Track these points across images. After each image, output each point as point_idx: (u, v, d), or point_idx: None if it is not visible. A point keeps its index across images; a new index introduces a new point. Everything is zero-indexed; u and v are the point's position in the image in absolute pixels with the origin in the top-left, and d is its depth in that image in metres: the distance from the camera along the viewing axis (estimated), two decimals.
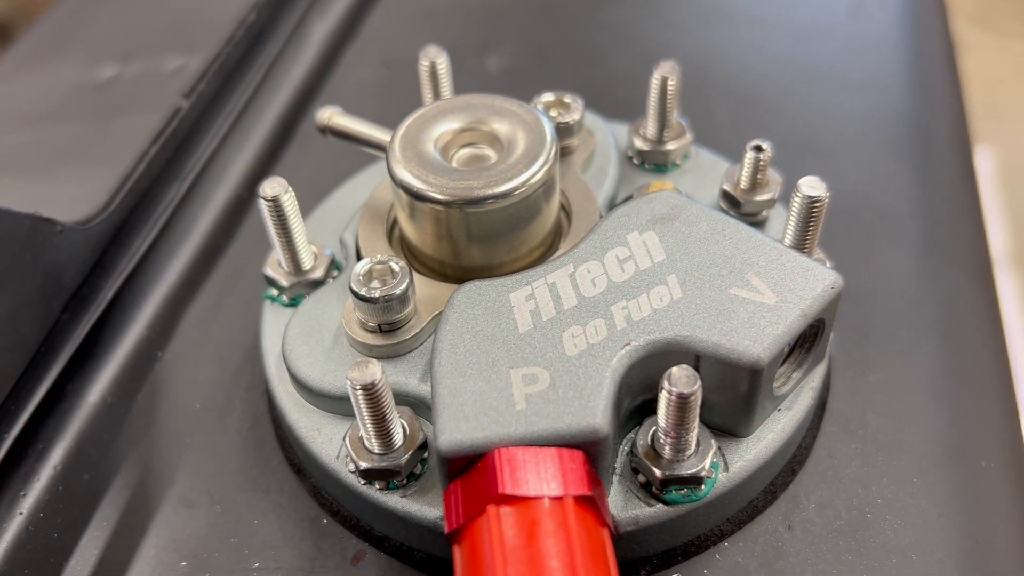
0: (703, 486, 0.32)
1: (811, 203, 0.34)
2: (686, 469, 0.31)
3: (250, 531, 0.35)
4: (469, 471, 0.29)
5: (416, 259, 0.38)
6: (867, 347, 0.40)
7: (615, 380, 0.30)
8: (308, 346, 0.36)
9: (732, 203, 0.39)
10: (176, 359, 0.41)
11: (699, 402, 0.30)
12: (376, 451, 0.32)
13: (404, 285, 0.34)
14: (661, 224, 0.35)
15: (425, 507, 0.32)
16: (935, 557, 0.33)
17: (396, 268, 0.34)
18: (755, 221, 0.40)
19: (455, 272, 0.37)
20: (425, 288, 0.36)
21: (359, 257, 0.38)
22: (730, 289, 0.32)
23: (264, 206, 0.36)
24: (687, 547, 0.34)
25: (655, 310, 0.32)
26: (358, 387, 0.30)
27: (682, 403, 0.29)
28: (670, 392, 0.29)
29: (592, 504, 0.29)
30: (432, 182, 0.34)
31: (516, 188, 0.34)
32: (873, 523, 0.34)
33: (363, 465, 0.32)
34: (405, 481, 0.33)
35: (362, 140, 0.40)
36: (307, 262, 0.38)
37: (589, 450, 0.30)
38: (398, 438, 0.32)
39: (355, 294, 0.33)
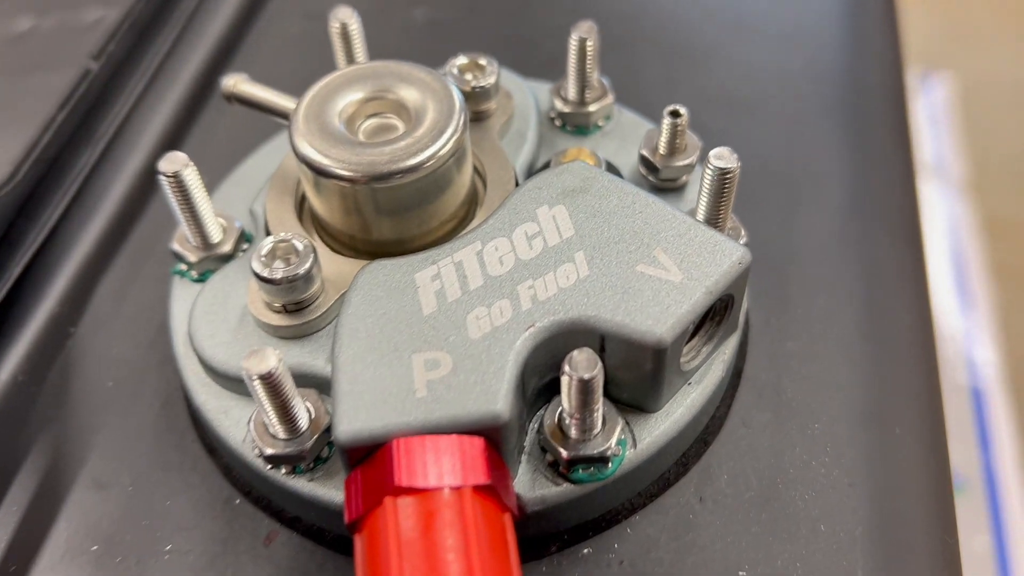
0: (610, 464, 0.32)
1: (722, 175, 0.34)
2: (592, 449, 0.31)
3: (163, 512, 0.35)
4: (369, 460, 0.29)
5: (325, 233, 0.37)
6: (785, 313, 0.39)
7: (518, 363, 0.30)
8: (214, 326, 0.35)
9: (650, 168, 0.39)
10: (88, 335, 0.40)
11: (601, 385, 0.30)
12: (280, 436, 0.32)
13: (308, 264, 0.33)
14: (571, 198, 0.34)
15: (332, 491, 0.32)
16: (844, 527, 0.33)
17: (300, 247, 0.33)
18: (674, 187, 0.39)
19: (365, 247, 0.36)
20: (334, 265, 0.35)
21: (268, 231, 0.37)
22: (637, 266, 0.32)
23: (165, 183, 0.35)
24: (597, 522, 0.34)
25: (561, 289, 0.32)
26: (254, 376, 0.29)
27: (583, 386, 0.29)
28: (571, 376, 0.29)
29: (492, 492, 0.29)
30: (335, 157, 0.33)
31: (424, 162, 0.33)
32: (784, 493, 0.34)
33: (268, 451, 0.32)
34: (312, 465, 0.32)
35: (268, 109, 0.39)
36: (215, 235, 0.37)
37: (491, 436, 0.29)
38: (303, 422, 0.32)
39: (257, 275, 0.33)
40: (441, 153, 0.33)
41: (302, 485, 0.32)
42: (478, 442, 0.29)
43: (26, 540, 0.34)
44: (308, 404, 0.32)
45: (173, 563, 0.33)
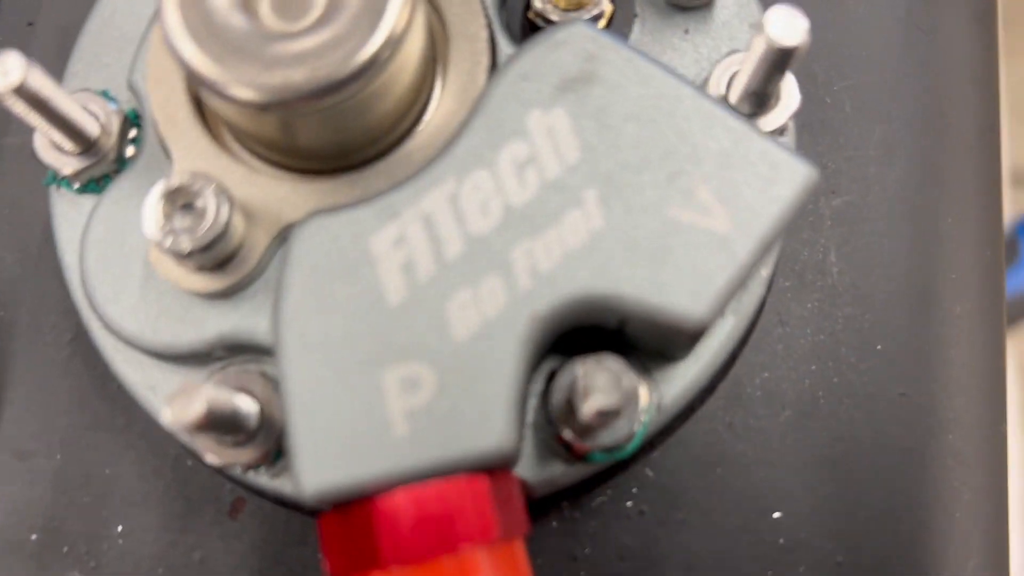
0: (633, 440, 0.26)
1: (782, 55, 0.24)
2: (611, 437, 0.26)
3: (104, 485, 0.30)
4: (347, 507, 0.23)
5: (236, 137, 0.27)
6: (834, 154, 0.31)
7: (520, 371, 0.23)
8: (114, 280, 0.27)
9: None
10: None
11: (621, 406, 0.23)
12: (230, 448, 0.26)
13: (223, 220, 0.24)
14: (573, 93, 0.25)
15: None
16: (895, 446, 0.29)
17: (203, 204, 0.24)
18: (697, 3, 0.29)
19: (294, 161, 0.27)
20: (257, 188, 0.26)
21: (154, 115, 0.27)
22: (669, 209, 0.24)
23: (9, 104, 0.25)
24: (613, 468, 0.29)
25: (567, 254, 0.24)
26: (183, 430, 0.23)
27: (603, 415, 0.23)
28: (588, 407, 0.23)
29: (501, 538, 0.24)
30: (234, 74, 0.23)
31: (359, 71, 0.23)
32: (827, 410, 0.29)
33: (217, 461, 0.26)
34: (272, 462, 0.27)
35: None
36: (90, 130, 0.27)
37: (496, 466, 0.24)
38: (252, 426, 0.25)
39: (156, 244, 0.24)
40: (381, 56, 0.23)
41: (265, 482, 0.27)
42: (480, 486, 0.23)
43: None
44: (255, 406, 0.26)
45: (131, 548, 0.29)
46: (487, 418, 0.23)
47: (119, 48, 0.29)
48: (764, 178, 0.24)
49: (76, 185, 0.28)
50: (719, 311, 0.24)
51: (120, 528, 0.29)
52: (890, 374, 0.30)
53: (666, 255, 0.24)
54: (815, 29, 0.31)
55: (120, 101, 0.29)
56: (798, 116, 0.30)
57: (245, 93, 0.23)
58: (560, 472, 0.27)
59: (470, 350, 0.23)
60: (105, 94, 0.29)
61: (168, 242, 0.24)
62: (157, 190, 0.24)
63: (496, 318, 0.23)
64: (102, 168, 0.28)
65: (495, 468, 0.23)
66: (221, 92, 0.23)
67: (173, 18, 0.23)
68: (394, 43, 0.23)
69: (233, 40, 0.23)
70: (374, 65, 0.23)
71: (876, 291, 0.30)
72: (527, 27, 0.29)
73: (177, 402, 0.22)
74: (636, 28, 0.29)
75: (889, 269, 0.30)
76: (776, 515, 0.29)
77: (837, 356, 0.30)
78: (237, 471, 0.27)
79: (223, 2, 0.23)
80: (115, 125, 0.28)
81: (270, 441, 0.26)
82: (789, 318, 0.30)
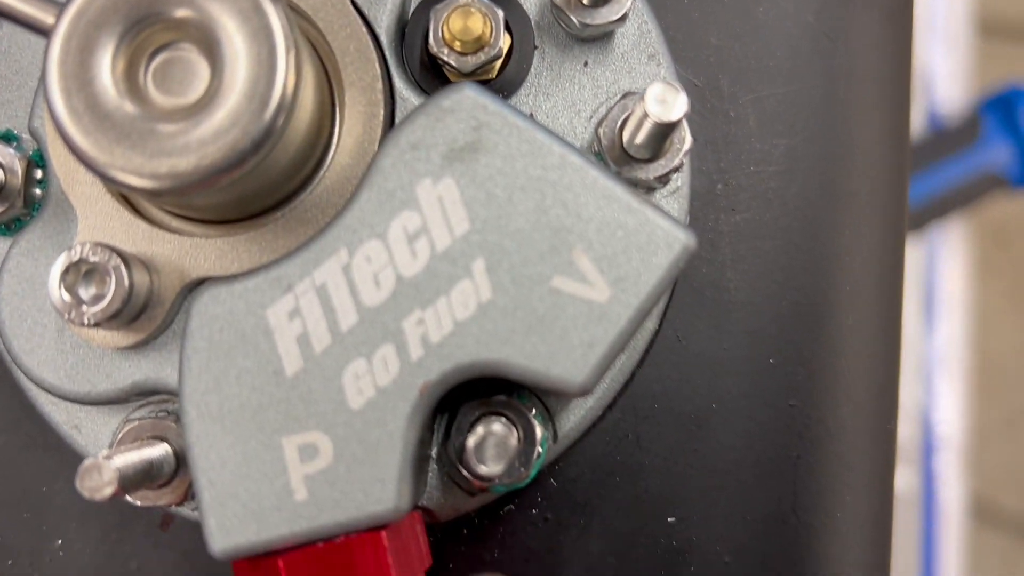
0: (528, 474, 0.28)
1: (666, 127, 0.25)
2: (508, 475, 0.27)
3: (41, 501, 0.31)
4: (256, 558, 0.25)
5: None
6: (734, 170, 0.32)
7: (412, 438, 0.25)
8: (29, 334, 0.28)
9: (564, 18, 0.28)
10: None
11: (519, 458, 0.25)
12: (152, 491, 0.27)
13: (123, 297, 0.25)
14: (461, 163, 0.25)
15: None
16: (780, 456, 0.31)
17: (106, 276, 0.25)
18: (596, 36, 0.29)
19: (197, 214, 0.27)
20: (163, 244, 0.27)
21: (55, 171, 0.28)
22: (552, 280, 0.25)
23: None
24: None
25: (457, 324, 0.25)
26: (96, 499, 0.24)
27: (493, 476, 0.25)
28: (479, 473, 0.24)
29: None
30: (120, 161, 0.23)
31: (247, 152, 0.23)
32: (720, 421, 0.31)
33: (140, 504, 0.28)
34: (191, 499, 0.28)
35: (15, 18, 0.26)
36: None
37: (392, 522, 0.26)
38: (168, 471, 0.27)
39: (67, 319, 0.25)
40: (273, 128, 0.23)
41: (188, 514, 0.29)
42: (379, 541, 0.25)
43: None
44: (168, 444, 0.27)
45: (70, 559, 0.31)
46: (381, 482, 0.25)
47: (18, 84, 0.29)
48: (643, 247, 0.25)
49: None
50: (599, 376, 0.25)
51: (59, 542, 0.31)
52: (781, 386, 0.31)
53: (550, 324, 0.25)
54: (723, 39, 0.31)
55: (23, 140, 0.29)
56: (702, 131, 0.30)
57: (134, 181, 0.23)
58: (463, 502, 0.29)
59: (364, 418, 0.25)
60: (7, 135, 0.29)
61: (74, 315, 0.25)
62: (59, 263, 0.25)
63: (389, 386, 0.25)
64: (11, 213, 0.28)
65: (389, 523, 0.25)
66: (111, 180, 0.23)
67: (59, 107, 0.23)
68: (282, 119, 0.24)
69: (119, 127, 0.23)
70: (262, 145, 0.23)
71: (771, 306, 0.32)
72: (427, 63, 0.29)
73: (88, 479, 0.24)
74: (535, 60, 0.29)
75: (784, 285, 0.32)
76: (670, 519, 0.31)
77: (731, 370, 0.31)
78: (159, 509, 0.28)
79: (106, 84, 0.23)
80: (19, 170, 0.28)
81: (187, 480, 0.28)
82: (686, 333, 0.32)
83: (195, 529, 0.30)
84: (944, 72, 1.15)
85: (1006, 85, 1.07)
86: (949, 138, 1.10)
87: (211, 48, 0.24)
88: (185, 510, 0.29)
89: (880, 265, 0.32)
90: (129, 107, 0.23)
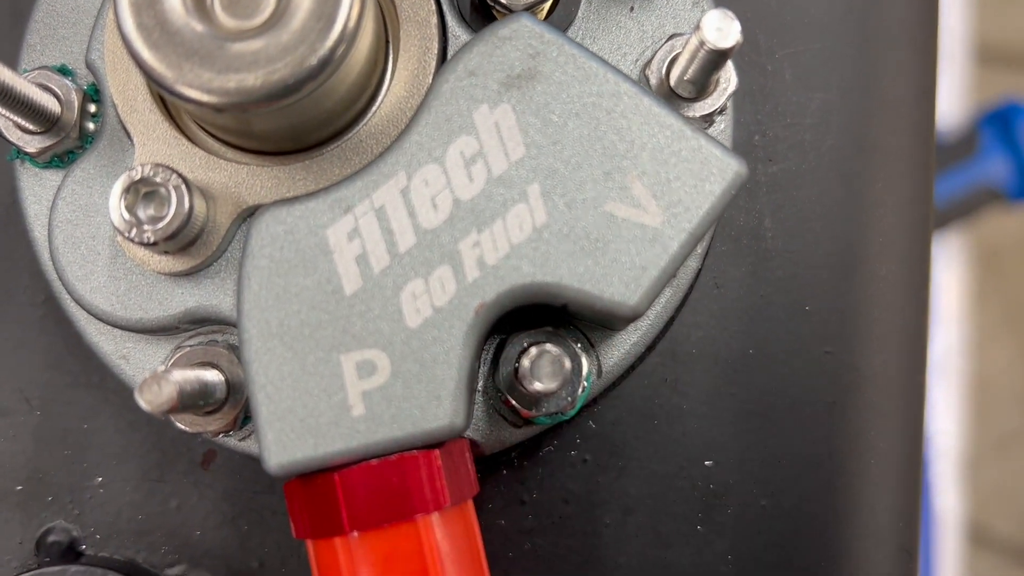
0: (575, 404, 0.29)
1: (718, 55, 0.25)
2: (555, 404, 0.28)
3: (82, 439, 0.32)
4: (311, 477, 0.26)
5: (197, 121, 0.28)
6: (771, 121, 0.33)
7: (468, 356, 0.25)
8: (83, 260, 0.28)
9: None
10: None
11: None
12: (200, 416, 0.28)
13: (185, 209, 0.26)
14: (518, 89, 0.26)
15: None
16: (817, 400, 0.32)
17: (166, 194, 0.25)
18: None
19: (253, 144, 0.28)
20: (220, 172, 0.27)
21: (116, 110, 0.28)
22: (606, 204, 0.25)
23: None
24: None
25: (513, 246, 0.25)
26: (157, 413, 0.24)
27: (545, 394, 0.25)
28: (533, 389, 0.25)
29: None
30: (187, 74, 0.24)
31: (313, 72, 0.24)
32: (757, 366, 0.32)
33: (189, 430, 0.28)
34: (240, 427, 0.29)
35: None
36: (51, 110, 0.28)
37: (446, 440, 0.26)
38: (219, 397, 0.27)
39: (123, 236, 0.26)
40: (337, 52, 0.24)
41: (233, 444, 0.29)
42: (433, 460, 0.25)
43: None
44: (222, 377, 0.27)
45: (111, 497, 0.31)
46: (438, 399, 0.25)
47: (74, 21, 0.30)
48: (696, 174, 0.25)
49: (40, 161, 0.29)
50: (652, 300, 0.25)
51: (100, 479, 0.31)
52: (816, 333, 0.32)
53: (604, 248, 0.25)
54: None
55: (78, 75, 0.29)
56: (741, 84, 0.31)
57: (201, 96, 0.24)
58: (508, 433, 0.29)
59: (421, 336, 0.25)
60: (63, 69, 0.29)
61: (134, 233, 0.25)
62: (121, 182, 0.25)
63: (446, 306, 0.25)
64: (65, 145, 0.29)
65: (445, 442, 0.26)
66: (178, 95, 0.24)
67: (128, 23, 0.24)
68: (347, 40, 0.24)
69: (188, 43, 0.24)
70: (328, 65, 0.24)
71: (806, 254, 0.32)
72: (477, 4, 0.29)
73: (149, 389, 0.24)
74: (583, 5, 0.29)
75: (819, 234, 0.32)
76: (708, 463, 0.31)
77: (767, 316, 0.32)
78: (207, 436, 0.29)
79: (176, 4, 0.24)
80: (76, 103, 0.29)
81: (237, 408, 0.28)
82: (724, 280, 0.32)
83: (236, 468, 0.31)
84: (942, 87, 1.17)
85: (1004, 100, 1.09)
86: (947, 152, 1.11)
87: None
88: (232, 441, 0.29)
89: (911, 218, 0.33)
90: (197, 25, 0.24)
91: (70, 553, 0.31)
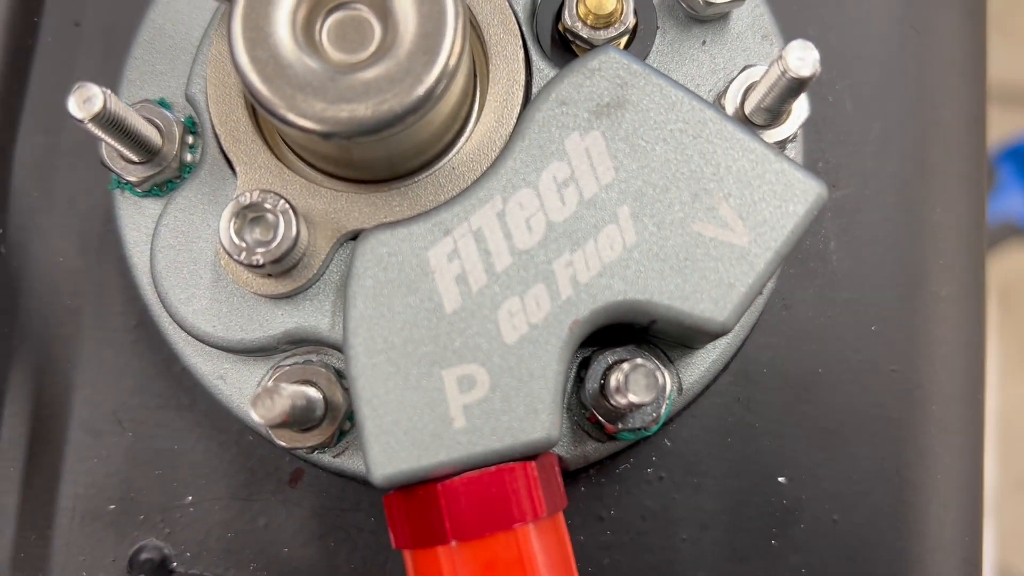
0: (657, 423, 0.30)
1: (798, 83, 0.27)
2: (639, 419, 0.29)
3: (173, 459, 0.33)
4: (411, 489, 0.27)
5: (296, 150, 0.29)
6: (834, 149, 0.34)
7: (563, 370, 0.26)
8: (185, 284, 0.29)
9: (686, 1, 0.30)
10: (19, 248, 0.34)
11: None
12: (299, 433, 0.29)
13: (292, 237, 0.27)
14: (607, 118, 0.27)
15: (360, 463, 0.30)
16: (885, 418, 0.33)
17: (274, 220, 0.27)
18: (713, 17, 0.31)
19: (349, 173, 0.29)
20: (320, 199, 0.29)
21: (218, 140, 0.29)
22: (694, 224, 0.27)
23: (89, 127, 0.27)
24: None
25: (605, 266, 0.26)
26: (269, 426, 0.26)
27: (636, 407, 0.26)
28: (627, 402, 0.26)
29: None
30: (301, 104, 0.25)
31: (418, 104, 0.25)
32: (826, 384, 0.33)
33: (284, 444, 0.29)
34: (335, 444, 0.30)
35: None
36: (154, 141, 0.30)
37: (542, 452, 0.27)
38: (319, 414, 0.28)
39: (232, 259, 0.27)
40: (437, 89, 0.25)
41: (327, 461, 0.30)
42: (531, 471, 0.26)
43: (32, 507, 0.33)
44: (321, 393, 0.29)
45: (201, 515, 0.32)
46: (535, 412, 0.26)
47: (172, 58, 0.31)
48: (780, 196, 0.27)
49: (140, 190, 0.31)
50: (740, 316, 0.27)
51: (190, 498, 0.32)
52: (882, 352, 0.33)
53: (692, 266, 0.26)
54: (821, 31, 0.33)
55: (176, 107, 0.31)
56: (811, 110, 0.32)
57: (315, 126, 0.25)
58: (592, 449, 0.30)
59: (518, 352, 0.26)
60: (162, 103, 0.31)
61: (244, 256, 0.27)
62: (230, 207, 0.27)
63: (541, 323, 0.26)
64: (165, 175, 0.30)
65: (540, 454, 0.27)
66: (292, 124, 0.25)
67: (243, 58, 0.25)
68: (450, 74, 0.26)
69: (300, 76, 0.25)
70: (432, 95, 0.25)
71: (871, 276, 0.33)
72: (557, 39, 0.31)
73: (262, 403, 0.25)
74: (658, 39, 0.31)
75: (883, 256, 0.33)
76: (781, 479, 0.32)
77: (835, 336, 0.33)
78: (303, 452, 0.30)
79: (286, 37, 0.25)
80: (176, 134, 0.30)
81: (335, 424, 0.29)
82: (793, 302, 0.33)
83: (323, 486, 0.32)
84: None
85: (1023, 136, 1.10)
86: None
87: (383, 7, 0.26)
88: (325, 458, 0.30)
89: (968, 240, 0.34)
90: (307, 59, 0.25)
91: (161, 571, 0.32)
